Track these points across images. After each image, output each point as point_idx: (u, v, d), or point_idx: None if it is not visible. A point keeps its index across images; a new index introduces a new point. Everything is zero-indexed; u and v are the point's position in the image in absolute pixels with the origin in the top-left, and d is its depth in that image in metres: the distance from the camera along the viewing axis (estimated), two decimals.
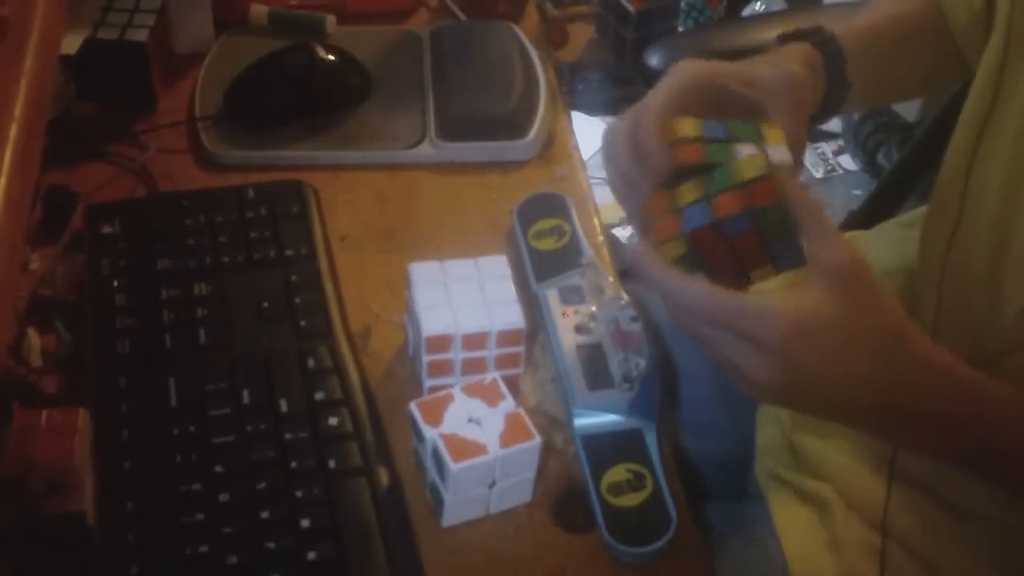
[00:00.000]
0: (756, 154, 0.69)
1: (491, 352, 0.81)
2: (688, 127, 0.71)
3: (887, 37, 0.88)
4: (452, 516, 0.76)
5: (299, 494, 0.75)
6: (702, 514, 0.91)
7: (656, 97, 0.74)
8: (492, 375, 0.77)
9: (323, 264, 0.91)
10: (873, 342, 0.65)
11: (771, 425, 0.96)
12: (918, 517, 0.81)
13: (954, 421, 0.67)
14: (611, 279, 0.90)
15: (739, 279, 0.69)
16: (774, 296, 0.65)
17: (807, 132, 0.76)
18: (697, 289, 0.66)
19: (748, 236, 0.68)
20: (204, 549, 0.72)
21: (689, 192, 0.69)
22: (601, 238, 0.98)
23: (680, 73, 0.75)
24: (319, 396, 0.81)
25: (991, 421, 0.67)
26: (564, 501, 0.79)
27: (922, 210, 0.88)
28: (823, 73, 0.82)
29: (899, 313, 0.66)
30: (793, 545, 0.86)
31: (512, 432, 0.73)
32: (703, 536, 0.81)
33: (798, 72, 0.76)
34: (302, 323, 0.86)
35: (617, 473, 0.78)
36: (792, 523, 0.87)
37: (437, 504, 0.76)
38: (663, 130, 0.72)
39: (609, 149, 0.76)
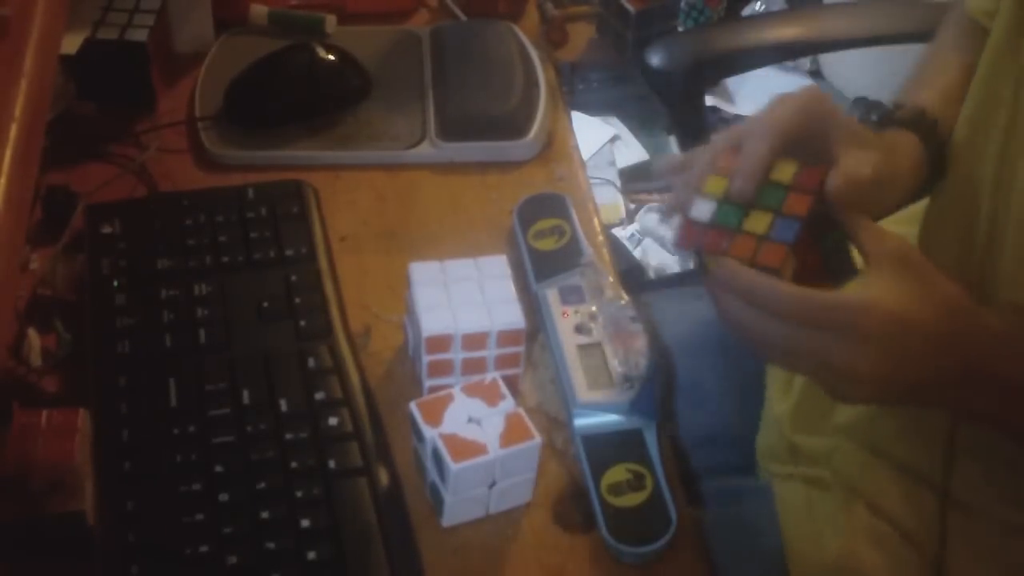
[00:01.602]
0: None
1: (491, 352, 0.81)
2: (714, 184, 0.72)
3: (964, 91, 0.85)
4: (452, 516, 0.76)
5: (299, 494, 0.75)
6: (697, 492, 0.91)
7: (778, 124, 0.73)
8: (492, 375, 0.77)
9: (323, 264, 0.91)
10: (945, 316, 0.66)
11: (771, 428, 0.96)
12: (919, 509, 0.82)
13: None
14: (611, 279, 0.90)
15: None
16: (861, 290, 0.66)
17: (868, 184, 0.73)
18: (788, 290, 0.66)
19: (811, 256, 0.70)
20: (204, 549, 0.72)
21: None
22: (601, 238, 0.98)
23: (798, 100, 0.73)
24: (319, 396, 0.81)
25: None
26: (564, 501, 0.79)
27: (920, 206, 0.88)
28: (925, 163, 0.81)
29: (958, 288, 0.67)
30: (791, 521, 0.86)
31: (512, 432, 0.73)
32: (696, 511, 0.81)
33: (905, 148, 0.77)
34: (302, 323, 0.86)
35: (617, 473, 0.78)
36: (791, 501, 0.87)
37: (437, 504, 0.76)
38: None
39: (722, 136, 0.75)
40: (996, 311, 0.69)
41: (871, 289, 0.65)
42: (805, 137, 0.72)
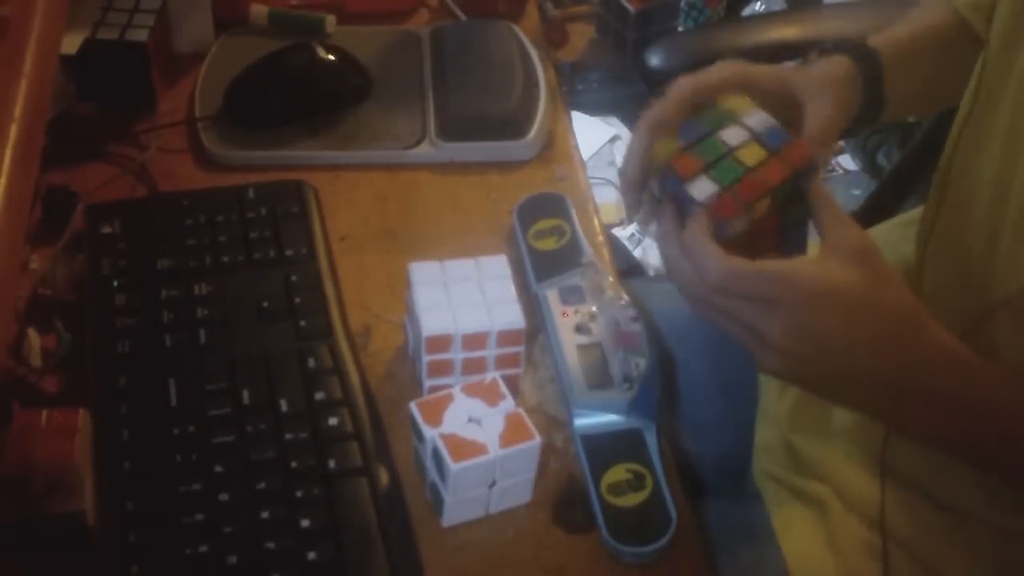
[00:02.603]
0: (748, 140, 0.71)
1: (491, 352, 0.81)
2: (663, 148, 0.73)
3: (925, 48, 0.88)
4: (452, 516, 0.76)
5: (299, 494, 0.75)
6: (702, 515, 0.91)
7: (681, 88, 0.76)
8: (492, 375, 0.77)
9: (323, 264, 0.91)
10: (888, 318, 0.66)
11: (770, 426, 0.96)
12: (915, 518, 0.82)
13: (957, 404, 0.68)
14: (611, 279, 0.90)
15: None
16: (794, 263, 0.66)
17: (839, 129, 0.76)
18: (722, 259, 0.66)
19: (770, 220, 0.70)
20: (204, 549, 0.72)
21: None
22: (601, 238, 0.98)
23: (713, 71, 0.76)
24: (319, 396, 0.81)
25: (989, 406, 0.68)
26: (564, 501, 0.79)
27: (920, 210, 0.88)
28: (860, 85, 0.83)
29: (911, 296, 0.67)
30: (792, 546, 0.86)
31: (512, 432, 0.73)
32: (703, 537, 0.81)
33: (837, 71, 0.77)
34: (302, 323, 0.86)
35: (617, 473, 0.78)
36: (790, 524, 0.87)
37: (437, 504, 0.76)
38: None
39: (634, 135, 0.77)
40: (949, 333, 0.68)
41: (813, 265, 0.66)
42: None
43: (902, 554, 0.81)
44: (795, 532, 0.87)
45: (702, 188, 0.69)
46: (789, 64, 0.82)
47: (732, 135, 0.71)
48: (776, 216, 0.70)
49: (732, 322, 0.68)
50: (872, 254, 0.66)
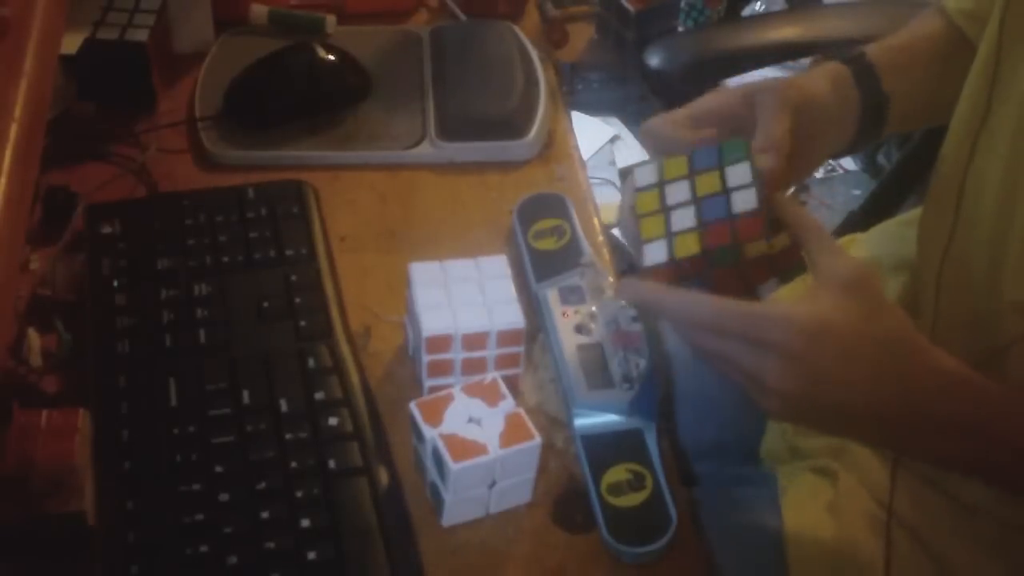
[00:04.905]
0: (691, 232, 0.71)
1: (491, 352, 0.81)
2: (674, 165, 0.74)
3: (922, 54, 0.88)
4: (452, 516, 0.76)
5: (299, 494, 0.75)
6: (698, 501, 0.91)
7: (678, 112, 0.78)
8: (492, 375, 0.77)
9: (323, 264, 0.91)
10: (886, 349, 0.65)
11: (774, 435, 0.96)
12: (922, 506, 0.82)
13: (963, 428, 0.67)
14: (611, 279, 0.90)
15: (745, 295, 0.70)
16: (785, 303, 0.66)
17: (789, 135, 0.76)
18: (704, 302, 0.66)
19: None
20: (204, 549, 0.72)
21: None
22: (601, 238, 0.98)
23: (705, 99, 0.78)
24: (319, 396, 0.81)
25: (998, 426, 0.68)
26: (564, 501, 0.79)
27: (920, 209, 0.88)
28: (854, 86, 0.83)
29: (907, 323, 0.66)
30: (791, 504, 0.85)
31: (512, 432, 0.73)
32: (703, 536, 0.81)
33: (778, 78, 0.77)
34: (302, 323, 0.86)
35: (617, 473, 0.78)
36: (794, 486, 0.87)
37: (437, 504, 0.76)
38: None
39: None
40: (951, 356, 0.67)
41: (804, 304, 0.65)
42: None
43: (904, 535, 0.81)
44: (799, 495, 0.86)
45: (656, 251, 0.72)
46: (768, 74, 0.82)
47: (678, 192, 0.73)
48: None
49: (729, 366, 0.67)
50: (864, 283, 0.65)
